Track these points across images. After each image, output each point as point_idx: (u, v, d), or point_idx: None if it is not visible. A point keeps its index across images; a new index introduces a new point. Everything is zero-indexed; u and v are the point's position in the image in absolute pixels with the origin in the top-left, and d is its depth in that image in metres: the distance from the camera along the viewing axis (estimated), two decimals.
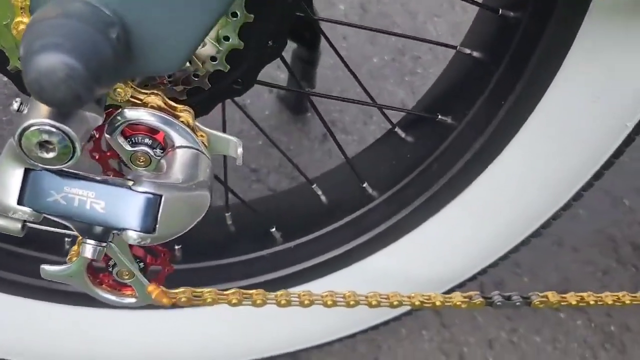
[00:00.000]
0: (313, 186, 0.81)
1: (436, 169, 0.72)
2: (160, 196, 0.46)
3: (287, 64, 0.66)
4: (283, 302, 0.67)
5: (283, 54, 0.61)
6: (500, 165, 0.69)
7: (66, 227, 0.49)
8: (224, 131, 0.71)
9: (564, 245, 1.36)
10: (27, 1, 0.43)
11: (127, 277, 0.58)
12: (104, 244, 0.49)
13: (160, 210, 0.46)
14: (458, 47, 0.72)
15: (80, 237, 0.49)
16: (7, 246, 0.71)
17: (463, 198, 0.72)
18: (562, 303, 0.75)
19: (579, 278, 1.33)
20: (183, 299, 0.64)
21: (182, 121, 0.51)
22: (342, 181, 0.80)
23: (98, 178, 0.47)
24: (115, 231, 0.47)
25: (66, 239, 0.73)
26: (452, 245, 0.76)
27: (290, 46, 1.16)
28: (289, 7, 0.56)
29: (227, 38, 0.55)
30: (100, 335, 0.79)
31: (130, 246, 0.57)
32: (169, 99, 0.52)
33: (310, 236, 0.78)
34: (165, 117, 0.50)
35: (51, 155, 0.43)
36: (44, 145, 0.43)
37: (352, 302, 0.69)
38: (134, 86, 0.50)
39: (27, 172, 0.46)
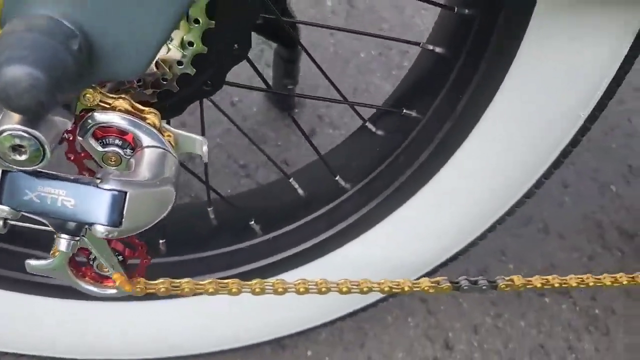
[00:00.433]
0: (290, 180, 0.84)
1: (403, 160, 0.76)
2: (125, 192, 0.50)
3: (252, 65, 0.69)
4: (257, 290, 0.70)
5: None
6: (462, 156, 0.73)
7: (44, 224, 0.53)
8: (203, 133, 0.76)
9: (550, 233, 1.39)
10: None
11: (106, 269, 0.62)
12: (77, 238, 0.53)
13: (126, 206, 0.49)
14: (421, 44, 0.75)
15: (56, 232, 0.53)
16: None
17: (429, 188, 0.75)
18: (528, 286, 0.78)
19: (565, 264, 1.36)
20: (162, 289, 0.68)
21: (148, 123, 0.54)
22: (317, 175, 0.83)
23: (69, 177, 0.51)
24: (86, 226, 0.51)
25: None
26: (421, 233, 0.80)
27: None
28: (251, 12, 0.60)
29: (191, 43, 0.58)
30: (86, 327, 0.83)
31: (109, 241, 0.61)
32: (139, 102, 0.56)
33: (288, 228, 0.82)
34: (133, 119, 0.54)
35: (23, 157, 0.47)
36: (16, 148, 0.47)
37: (323, 289, 0.72)
38: (102, 91, 0.54)
39: (4, 173, 0.50)
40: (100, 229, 0.49)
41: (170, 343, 0.89)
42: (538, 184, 0.76)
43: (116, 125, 0.54)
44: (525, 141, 0.71)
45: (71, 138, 0.56)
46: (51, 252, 0.60)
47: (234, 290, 0.70)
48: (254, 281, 0.71)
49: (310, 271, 0.81)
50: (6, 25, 0.45)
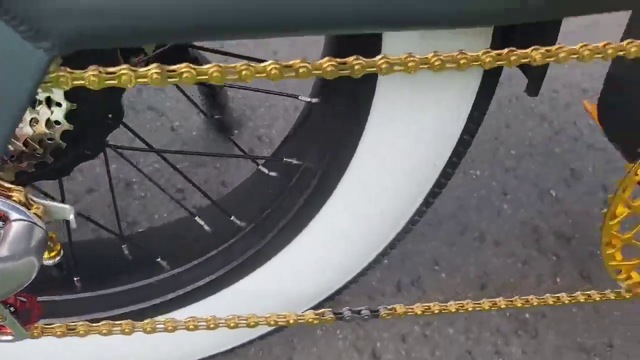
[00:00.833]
0: (196, 218, 0.91)
1: (287, 202, 0.83)
2: None
3: (129, 128, 0.76)
4: (149, 329, 0.78)
5: None
6: (337, 198, 0.79)
7: None
8: (110, 183, 0.82)
9: (485, 241, 1.45)
10: None
11: (1, 319, 0.70)
12: None
13: None
14: (299, 96, 0.82)
15: None
16: None
17: (308, 229, 0.82)
18: (408, 313, 0.85)
19: (498, 270, 1.41)
20: (59, 333, 0.76)
21: (14, 200, 0.62)
22: (218, 214, 0.90)
23: None
24: None
25: None
26: (310, 267, 0.87)
27: None
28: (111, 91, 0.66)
29: (58, 122, 0.65)
30: None
31: None
32: (17, 172, 0.63)
33: (192, 263, 0.89)
34: None
35: None
36: None
37: (212, 325, 0.80)
38: None
39: None
40: None
41: None
42: (413, 222, 0.82)
43: None
44: (387, 192, 0.77)
45: None
46: None
47: (126, 330, 0.77)
48: (145, 321, 0.78)
49: (212, 304, 0.88)
50: None
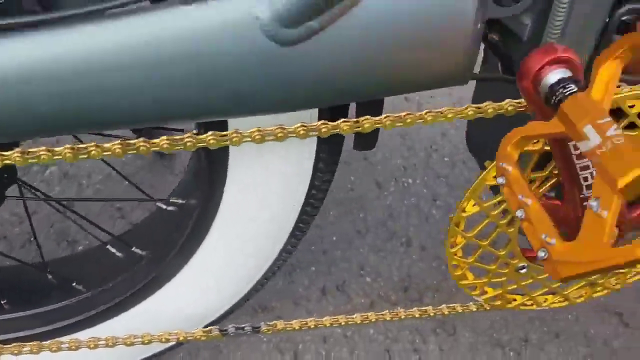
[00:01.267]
0: (107, 246, 1.05)
1: (176, 234, 0.95)
2: None
3: (24, 182, 0.89)
4: (54, 348, 0.91)
5: None
6: (208, 241, 0.92)
7: None
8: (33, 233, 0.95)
9: (412, 245, 1.56)
10: None
11: None
12: None
13: None
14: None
15: None
16: None
17: (196, 258, 0.95)
18: (287, 328, 0.97)
19: (422, 274, 1.52)
20: None
21: None
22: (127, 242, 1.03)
23: None
24: None
25: None
26: (195, 293, 1.00)
27: None
28: None
29: None
30: None
31: None
32: None
33: (105, 287, 1.03)
34: None
35: None
36: None
37: (110, 344, 0.93)
38: None
39: None
40: None
41: None
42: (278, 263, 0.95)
43: None
44: (254, 232, 0.90)
45: None
46: None
47: (34, 350, 0.91)
48: (50, 341, 0.91)
49: (122, 322, 1.02)
50: None
